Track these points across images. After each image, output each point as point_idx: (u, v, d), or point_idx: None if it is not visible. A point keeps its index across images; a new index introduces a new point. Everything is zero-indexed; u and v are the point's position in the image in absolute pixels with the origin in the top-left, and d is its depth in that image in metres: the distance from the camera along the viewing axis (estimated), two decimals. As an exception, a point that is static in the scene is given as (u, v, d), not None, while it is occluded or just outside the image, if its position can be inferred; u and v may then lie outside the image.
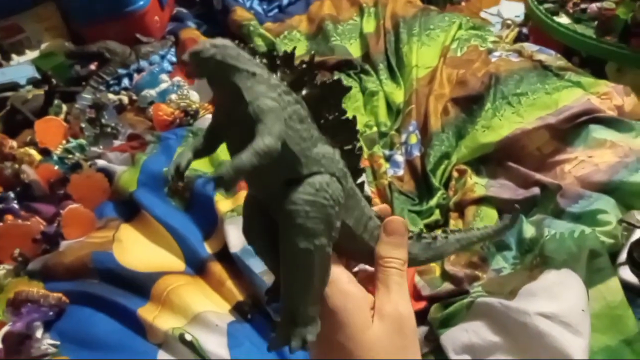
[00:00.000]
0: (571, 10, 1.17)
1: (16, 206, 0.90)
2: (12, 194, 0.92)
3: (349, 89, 0.36)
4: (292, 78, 0.34)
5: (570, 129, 0.82)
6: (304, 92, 0.34)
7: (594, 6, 1.13)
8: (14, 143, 1.02)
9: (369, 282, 0.37)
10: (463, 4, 2.43)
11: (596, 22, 1.11)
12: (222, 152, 0.96)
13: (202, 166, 0.92)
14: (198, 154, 0.34)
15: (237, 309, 0.71)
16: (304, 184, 0.32)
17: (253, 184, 0.35)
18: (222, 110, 0.33)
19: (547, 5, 1.23)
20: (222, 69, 0.31)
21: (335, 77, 0.36)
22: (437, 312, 0.64)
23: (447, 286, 0.67)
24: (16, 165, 0.96)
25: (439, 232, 0.44)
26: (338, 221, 0.34)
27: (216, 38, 0.31)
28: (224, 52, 0.30)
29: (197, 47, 0.30)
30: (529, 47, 1.02)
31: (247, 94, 0.31)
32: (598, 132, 0.80)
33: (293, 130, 0.32)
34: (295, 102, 0.33)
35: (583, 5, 1.16)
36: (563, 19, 1.18)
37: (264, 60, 0.33)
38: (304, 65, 0.34)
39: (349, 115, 0.36)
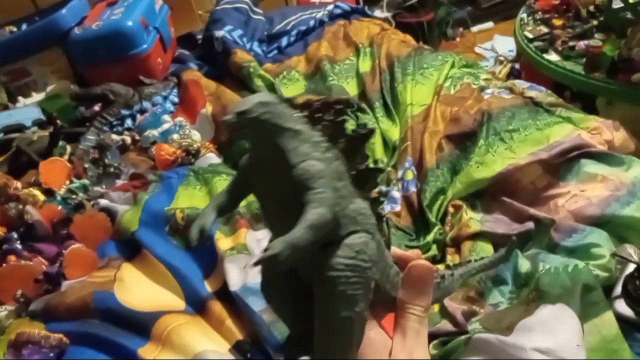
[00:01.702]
0: (560, 48, 1.22)
1: (19, 247, 0.92)
2: (15, 235, 0.93)
3: (372, 131, 0.35)
4: (332, 130, 0.32)
5: (562, 164, 0.84)
6: (340, 143, 0.32)
7: (581, 44, 1.18)
8: (18, 184, 1.04)
9: (389, 325, 0.37)
10: (458, 39, 2.51)
11: (584, 59, 1.16)
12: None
13: (202, 204, 0.93)
14: (221, 211, 0.33)
15: (237, 348, 0.71)
16: (343, 246, 0.31)
17: None
18: (258, 167, 0.32)
19: (536, 43, 1.27)
20: (268, 128, 0.29)
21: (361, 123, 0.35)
22: (435, 349, 0.64)
23: (446, 324, 0.67)
24: (20, 206, 0.97)
25: (442, 268, 0.44)
26: (373, 281, 0.33)
27: (258, 94, 0.30)
28: (270, 110, 0.29)
29: (242, 106, 0.29)
30: (520, 84, 1.05)
31: (293, 156, 0.30)
32: (589, 166, 0.82)
33: (334, 190, 0.31)
34: (335, 159, 0.32)
35: (571, 43, 1.21)
36: (552, 56, 1.22)
37: (304, 112, 0.32)
38: (342, 117, 0.33)
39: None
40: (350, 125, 0.33)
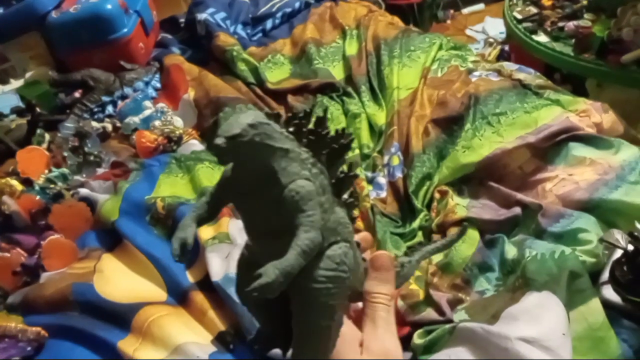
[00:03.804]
0: (549, 29, 1.20)
1: (-3, 238, 0.89)
2: (-8, 226, 0.91)
3: (352, 140, 0.34)
4: (314, 145, 0.32)
5: (550, 147, 0.82)
6: (323, 154, 0.33)
7: (571, 24, 1.16)
8: (-5, 174, 1.01)
9: (357, 316, 0.37)
10: (449, 21, 2.48)
11: (574, 40, 1.13)
12: (205, 178, 0.95)
13: (184, 193, 0.91)
14: (202, 222, 0.33)
15: (219, 339, 0.70)
16: (324, 258, 0.31)
17: (268, 258, 0.30)
18: (242, 182, 0.31)
19: (525, 24, 1.25)
20: (259, 150, 0.29)
21: (338, 127, 0.34)
22: (420, 338, 0.63)
23: (431, 313, 0.66)
24: (-3, 197, 0.95)
25: (401, 255, 0.45)
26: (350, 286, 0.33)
27: (245, 114, 0.29)
28: (260, 132, 0.28)
29: (232, 130, 0.28)
30: (508, 66, 1.03)
31: (283, 176, 0.30)
32: (577, 149, 0.80)
33: (320, 205, 0.31)
34: (320, 173, 0.32)
35: (560, 24, 1.19)
36: (542, 37, 1.20)
37: (289, 129, 0.31)
38: (325, 129, 0.32)
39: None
40: (332, 127, 0.32)
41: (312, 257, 0.29)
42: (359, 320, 0.36)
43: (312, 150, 0.32)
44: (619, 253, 0.65)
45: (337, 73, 1.17)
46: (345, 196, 0.35)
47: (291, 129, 0.32)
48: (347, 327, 0.35)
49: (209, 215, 0.33)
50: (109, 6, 1.25)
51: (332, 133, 0.33)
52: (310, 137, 0.32)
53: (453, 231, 0.77)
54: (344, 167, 0.34)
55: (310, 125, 0.32)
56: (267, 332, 0.37)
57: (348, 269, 0.32)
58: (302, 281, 0.30)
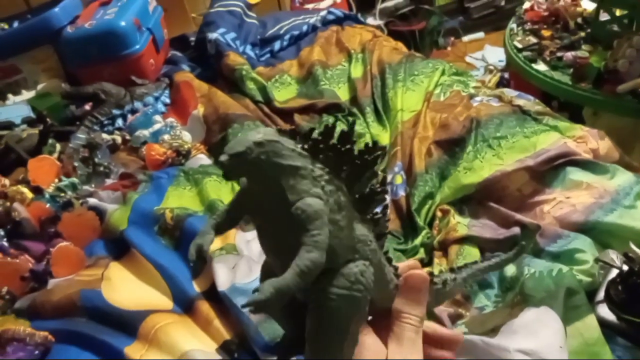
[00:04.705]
0: (548, 58, 1.24)
1: (6, 244, 0.91)
2: (2, 232, 0.92)
3: (379, 155, 0.33)
4: (334, 161, 0.32)
5: (548, 171, 0.85)
6: (344, 170, 0.32)
7: (569, 55, 1.20)
8: (6, 181, 1.03)
9: (383, 331, 0.37)
10: (449, 48, 2.54)
11: (571, 70, 1.18)
12: (212, 191, 0.97)
13: (191, 205, 0.93)
14: (220, 230, 0.33)
15: (224, 348, 0.71)
16: (339, 275, 0.31)
17: (280, 272, 0.30)
18: (255, 196, 0.31)
19: (525, 53, 1.29)
20: (265, 168, 0.29)
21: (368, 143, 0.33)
22: (421, 350, 0.65)
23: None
24: (8, 203, 0.97)
25: (446, 272, 0.43)
26: (368, 303, 0.33)
27: (254, 132, 0.29)
28: (267, 150, 0.28)
29: (237, 148, 0.28)
30: (508, 92, 1.07)
31: (291, 193, 0.29)
32: (574, 174, 0.83)
33: (333, 222, 0.30)
34: (336, 190, 0.31)
35: (559, 54, 1.23)
36: (541, 66, 1.24)
37: (305, 146, 0.31)
38: (348, 145, 0.32)
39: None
40: (361, 143, 0.32)
41: (312, 277, 0.29)
42: (384, 333, 0.36)
43: (331, 166, 0.32)
44: (614, 273, 0.68)
45: (343, 94, 1.20)
46: (378, 211, 0.34)
47: (307, 146, 0.31)
48: (374, 342, 0.35)
49: (227, 223, 0.33)
50: (123, 23, 1.29)
51: (362, 147, 0.32)
52: (329, 153, 0.32)
53: (454, 249, 0.79)
54: (374, 182, 0.33)
55: (334, 140, 0.32)
56: (292, 337, 0.38)
57: (364, 287, 0.32)
58: (317, 296, 0.31)
